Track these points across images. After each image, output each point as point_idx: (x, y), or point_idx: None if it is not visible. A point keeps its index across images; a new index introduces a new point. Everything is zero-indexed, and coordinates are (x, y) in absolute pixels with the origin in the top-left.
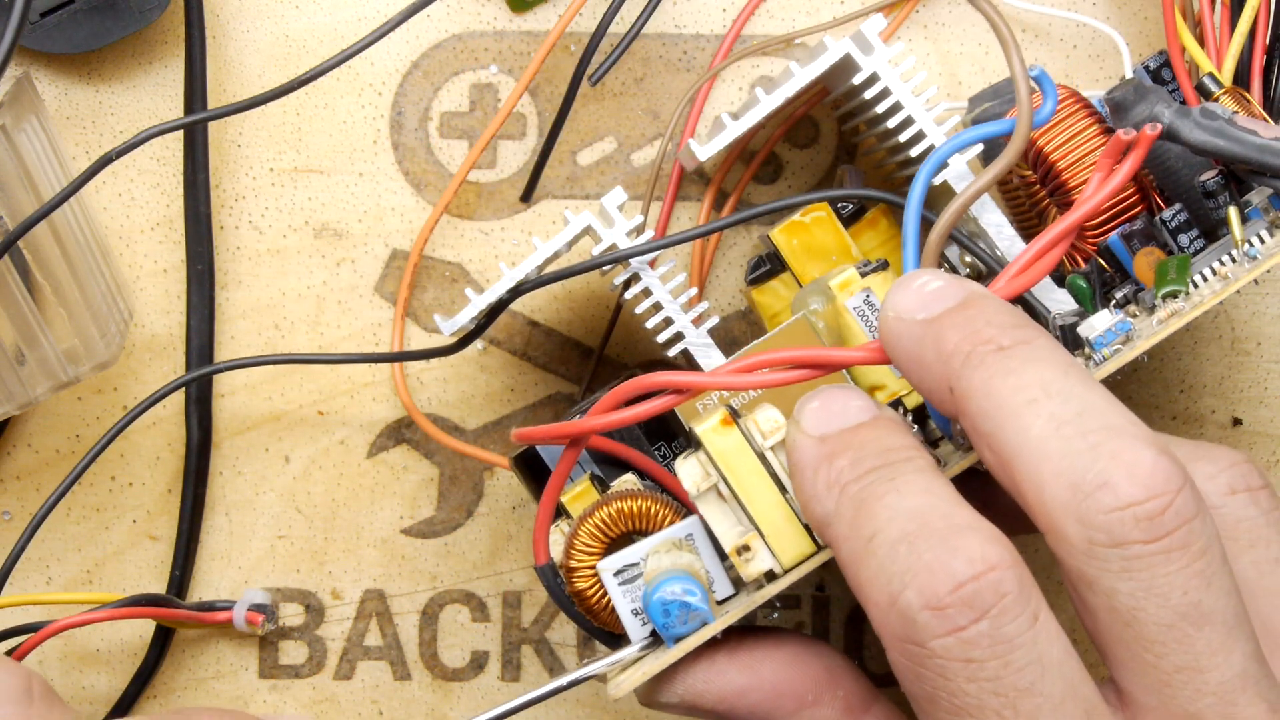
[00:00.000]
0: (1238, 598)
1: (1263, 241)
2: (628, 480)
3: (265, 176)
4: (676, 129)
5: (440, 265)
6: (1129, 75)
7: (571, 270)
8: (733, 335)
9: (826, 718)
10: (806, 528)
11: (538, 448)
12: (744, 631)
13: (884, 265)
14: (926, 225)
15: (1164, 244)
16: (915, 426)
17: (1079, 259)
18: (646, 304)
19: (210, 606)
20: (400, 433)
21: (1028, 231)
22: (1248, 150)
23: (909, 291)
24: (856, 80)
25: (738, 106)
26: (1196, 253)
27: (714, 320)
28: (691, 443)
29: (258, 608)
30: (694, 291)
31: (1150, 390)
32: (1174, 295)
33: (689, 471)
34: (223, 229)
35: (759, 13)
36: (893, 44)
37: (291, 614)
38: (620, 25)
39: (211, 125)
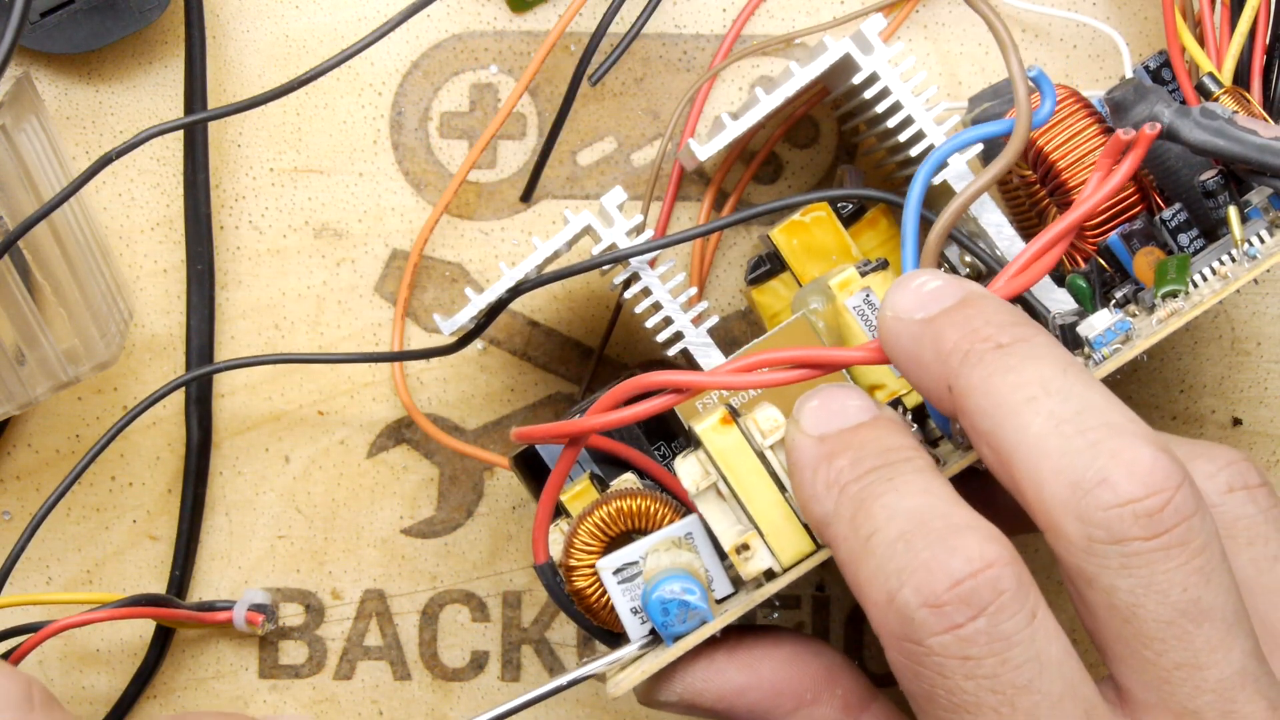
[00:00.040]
0: (1237, 595)
1: (1262, 241)
2: (627, 479)
3: (265, 176)
4: (676, 129)
5: (440, 265)
6: (1129, 75)
7: (571, 270)
8: (733, 335)
9: (825, 716)
10: (806, 527)
11: (537, 447)
12: (743, 630)
13: (884, 265)
14: (926, 225)
15: (1164, 244)
16: (915, 426)
17: (1079, 259)
18: (646, 303)
19: (210, 606)
20: (400, 433)
21: (1028, 231)
22: (1247, 150)
23: (907, 291)
24: (856, 80)
25: (738, 106)
26: (1196, 252)
27: (713, 320)
28: (691, 442)
29: (258, 608)
30: (693, 291)
31: (1150, 390)
32: (1174, 295)
33: (688, 470)
34: (223, 229)
35: (759, 13)
36: (893, 44)
37: (291, 614)
38: (620, 25)
39: (211, 125)
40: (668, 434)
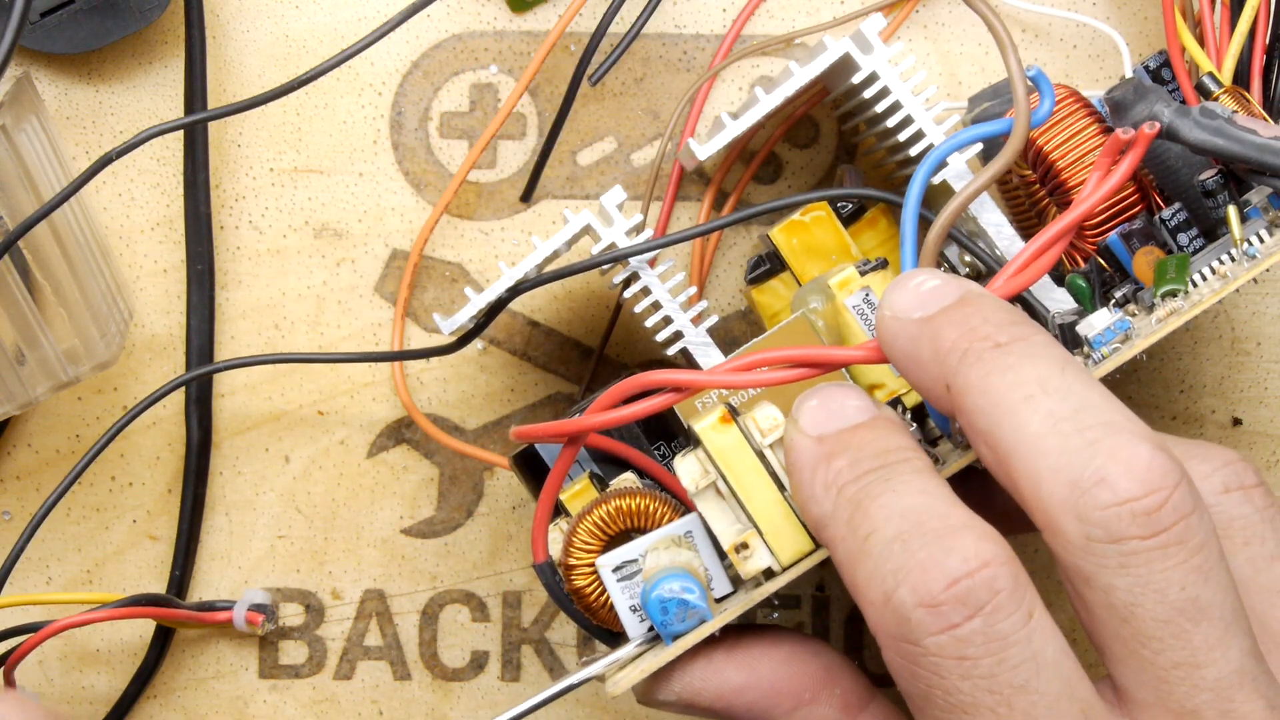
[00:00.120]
0: (1235, 593)
1: (1262, 241)
2: (627, 478)
3: (265, 176)
4: (676, 129)
5: (440, 265)
6: (1129, 75)
7: (571, 269)
8: (733, 335)
9: (824, 716)
10: (805, 526)
11: (536, 446)
12: (742, 630)
13: (883, 264)
14: (925, 224)
15: (1163, 243)
16: (914, 425)
17: (1078, 258)
18: (645, 303)
19: (210, 606)
20: (400, 433)
21: (1027, 231)
22: (1247, 149)
23: (906, 290)
24: (856, 80)
25: (737, 106)
26: (1196, 252)
27: (713, 319)
28: (690, 441)
29: (258, 608)
30: (693, 290)
31: (1150, 390)
32: (1173, 294)
33: (688, 469)
34: (223, 229)
35: (759, 13)
36: (892, 44)
37: (291, 614)
38: (620, 25)
39: (211, 125)
40: (667, 433)
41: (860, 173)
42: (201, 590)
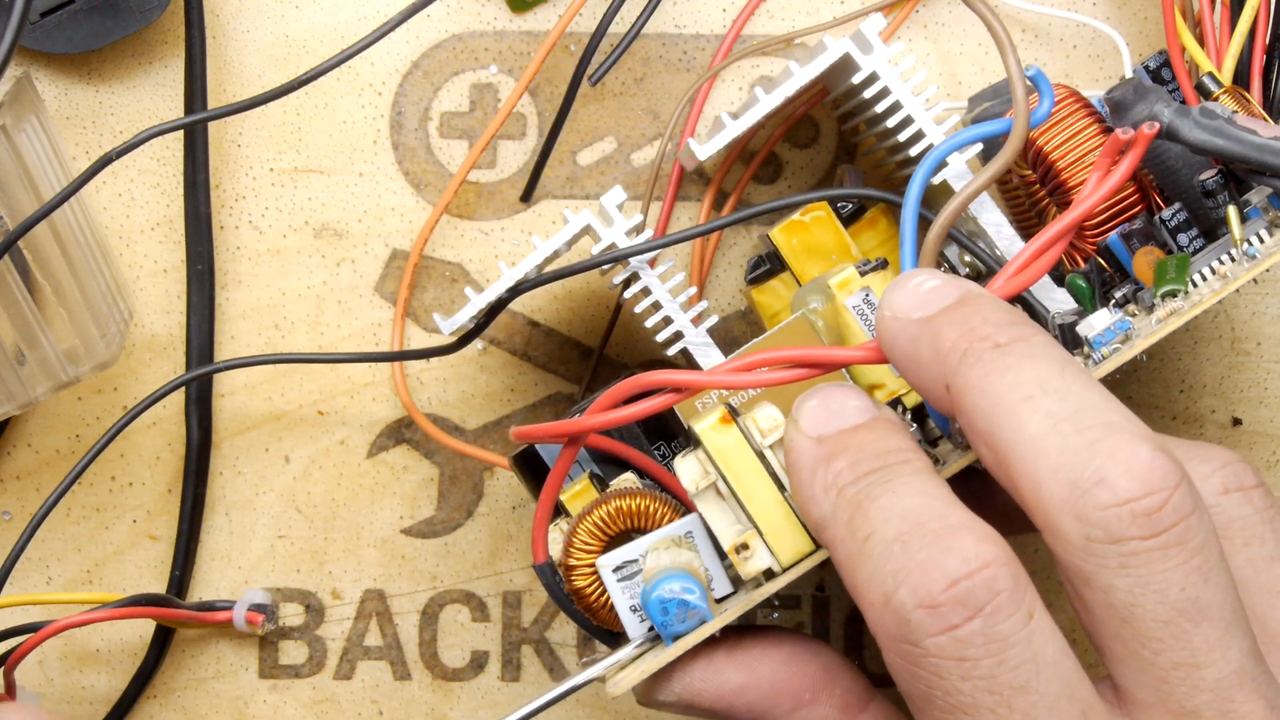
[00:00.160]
0: (1235, 594)
1: (1262, 241)
2: (627, 479)
3: (265, 176)
4: (676, 129)
5: (440, 265)
6: (1129, 75)
7: (571, 269)
8: (733, 335)
9: (824, 716)
10: (805, 526)
11: (537, 446)
12: (742, 630)
13: (883, 264)
14: (925, 224)
15: (1163, 243)
16: (914, 426)
17: (1079, 258)
18: (645, 303)
19: (210, 606)
20: (400, 433)
21: (1028, 231)
22: (1247, 149)
23: (905, 291)
24: (856, 80)
25: (737, 106)
26: (1196, 252)
27: (713, 319)
28: (690, 441)
29: (258, 608)
30: (693, 290)
31: (1150, 390)
32: (1173, 294)
33: (688, 470)
34: (223, 229)
35: (759, 13)
36: (892, 44)
37: (291, 614)
38: (620, 25)
39: (211, 125)
40: (667, 433)
41: (860, 173)
42: (201, 590)
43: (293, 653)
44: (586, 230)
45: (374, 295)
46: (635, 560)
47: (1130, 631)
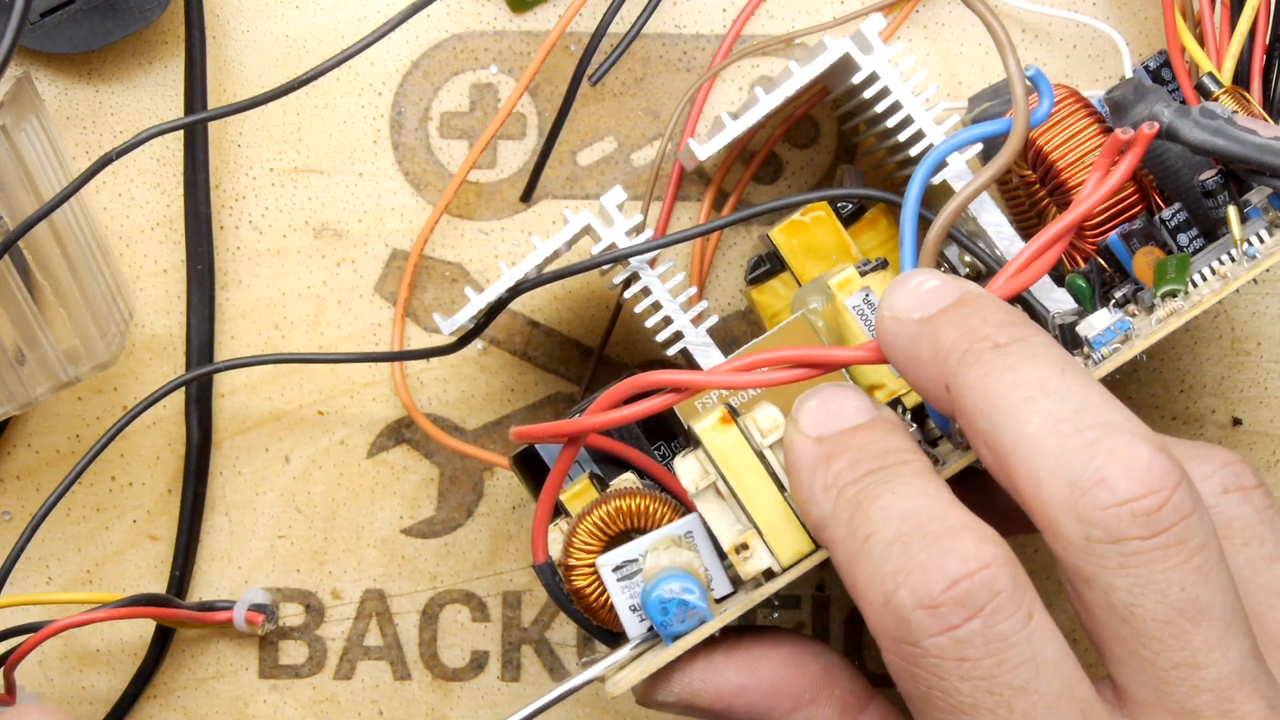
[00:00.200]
0: (1235, 594)
1: (1262, 241)
2: (627, 479)
3: (265, 176)
4: (676, 129)
5: (440, 265)
6: (1129, 75)
7: (570, 269)
8: (733, 335)
9: (823, 717)
10: (805, 526)
11: (536, 446)
12: (741, 630)
13: (883, 264)
14: (925, 224)
15: (1163, 243)
16: (914, 426)
17: (1079, 258)
18: (645, 303)
19: (210, 606)
20: (400, 433)
21: (1028, 231)
22: (1247, 149)
23: (905, 291)
24: (856, 80)
25: (737, 106)
26: (1196, 252)
27: (713, 320)
28: (690, 441)
29: (258, 608)
30: (693, 291)
31: (1150, 390)
32: (1173, 294)
33: (688, 470)
34: (223, 229)
35: (759, 13)
36: (892, 44)
37: (291, 614)
38: (620, 25)
39: (211, 125)
40: (667, 433)
41: (860, 173)
42: (201, 590)
43: (293, 653)
44: (586, 230)
45: (374, 295)
46: (635, 560)
47: (1130, 631)
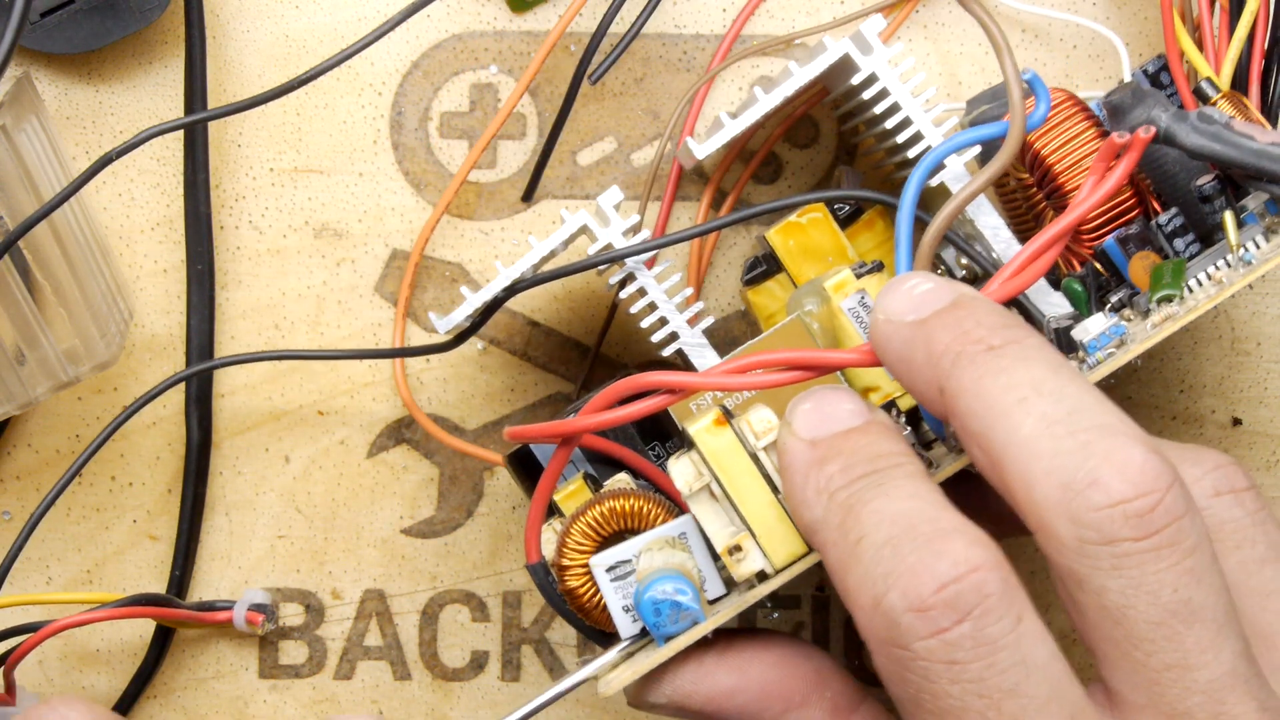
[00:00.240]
0: (1227, 596)
1: (1258, 246)
2: (621, 479)
3: (265, 176)
4: (675, 129)
5: (440, 265)
6: (1128, 77)
7: (567, 269)
8: (733, 336)
9: (814, 719)
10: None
11: (531, 446)
12: (733, 632)
13: (880, 267)
14: (922, 227)
15: (1160, 248)
16: (909, 429)
17: (1075, 262)
18: (642, 303)
19: (210, 606)
20: (400, 433)
21: (1025, 234)
22: (1244, 155)
23: (899, 294)
24: (855, 80)
25: (737, 106)
26: (1192, 257)
27: (709, 320)
28: (685, 442)
29: (258, 608)
30: (689, 291)
31: (1150, 390)
32: (1168, 299)
33: (681, 471)
34: (223, 229)
35: (759, 13)
36: (892, 44)
37: (291, 614)
38: (620, 25)
39: (211, 125)
40: (662, 434)
41: (858, 174)
42: (201, 590)
43: (293, 653)
44: (583, 230)
45: (374, 295)
46: (629, 561)
47: (1123, 633)
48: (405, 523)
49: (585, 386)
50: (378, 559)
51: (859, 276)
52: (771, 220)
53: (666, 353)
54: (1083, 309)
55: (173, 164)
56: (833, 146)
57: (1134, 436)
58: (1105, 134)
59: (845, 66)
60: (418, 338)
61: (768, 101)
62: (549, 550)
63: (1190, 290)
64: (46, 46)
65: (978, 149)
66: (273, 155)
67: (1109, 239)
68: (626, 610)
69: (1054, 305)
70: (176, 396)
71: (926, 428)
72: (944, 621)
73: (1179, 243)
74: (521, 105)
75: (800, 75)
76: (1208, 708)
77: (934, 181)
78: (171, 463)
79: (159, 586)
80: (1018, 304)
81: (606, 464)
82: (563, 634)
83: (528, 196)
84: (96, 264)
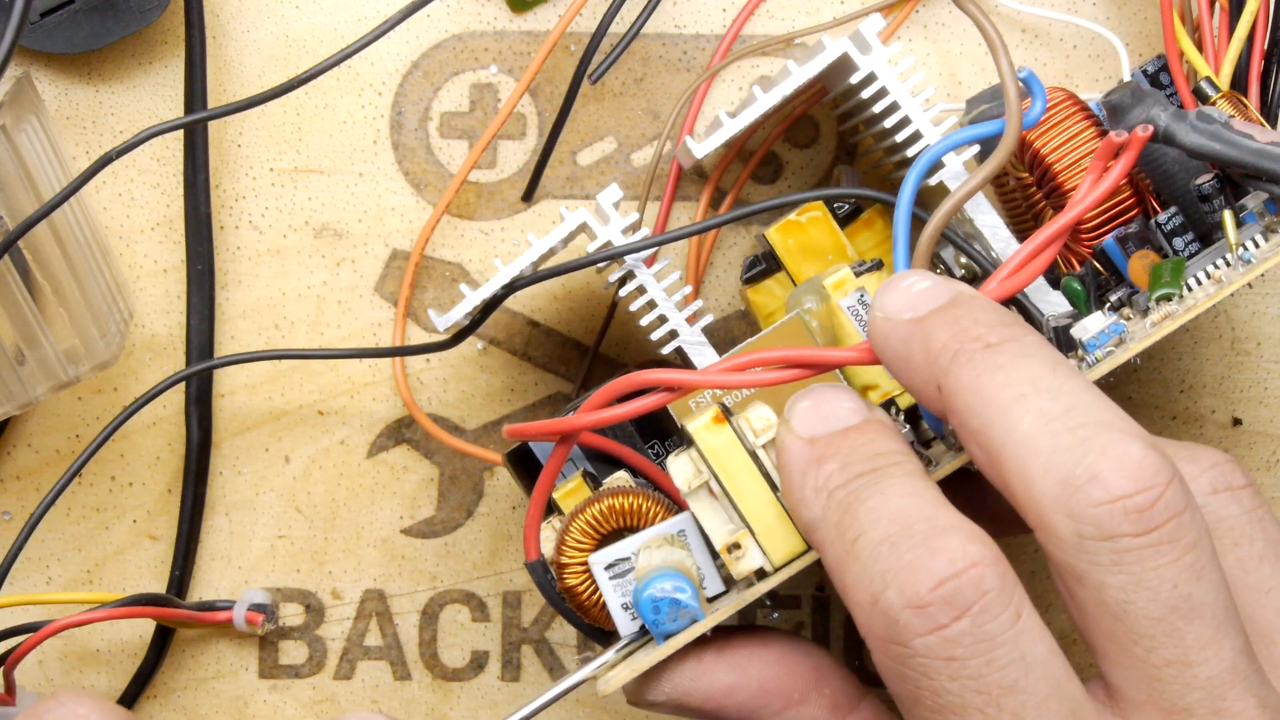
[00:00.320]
0: (1227, 592)
1: (1257, 245)
2: (620, 477)
3: (265, 176)
4: (675, 128)
5: (440, 265)
6: (1127, 77)
7: (566, 267)
8: (732, 334)
9: (813, 716)
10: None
11: (530, 444)
12: (732, 630)
13: (879, 265)
14: (920, 225)
15: (1159, 247)
16: (908, 427)
17: (1074, 261)
18: (640, 302)
19: (210, 606)
20: (400, 433)
21: (1024, 233)
22: (1243, 154)
23: (897, 292)
24: (854, 80)
25: (736, 106)
26: (1191, 256)
27: (708, 319)
28: (683, 440)
29: (258, 608)
30: (689, 289)
31: (1150, 390)
32: (1168, 298)
33: (680, 469)
34: (223, 229)
35: (759, 13)
36: (891, 44)
37: (291, 614)
38: (620, 25)
39: (211, 125)
40: (661, 432)
41: (857, 173)
42: (201, 590)
43: (293, 653)
44: (582, 228)
45: (374, 295)
46: (627, 558)
47: (1122, 629)
48: (405, 523)
49: (585, 386)
50: (378, 559)
51: (858, 275)
52: (771, 219)
53: (666, 351)
54: (1082, 308)
55: (173, 164)
56: (832, 146)
57: (1132, 433)
58: (1104, 133)
59: (844, 66)
60: (418, 338)
61: (767, 101)
62: (548, 548)
63: (1189, 289)
64: (46, 46)
65: (976, 148)
66: (273, 155)
67: (1108, 238)
68: (625, 608)
69: (1053, 304)
70: (176, 396)
71: (925, 426)
72: (942, 618)
73: (1178, 242)
74: (521, 105)
75: (799, 75)
76: (1208, 704)
77: (933, 180)
78: (171, 463)
79: (159, 586)
80: (1017, 302)
81: (605, 462)
82: (563, 634)
83: (528, 196)
84: (96, 264)
